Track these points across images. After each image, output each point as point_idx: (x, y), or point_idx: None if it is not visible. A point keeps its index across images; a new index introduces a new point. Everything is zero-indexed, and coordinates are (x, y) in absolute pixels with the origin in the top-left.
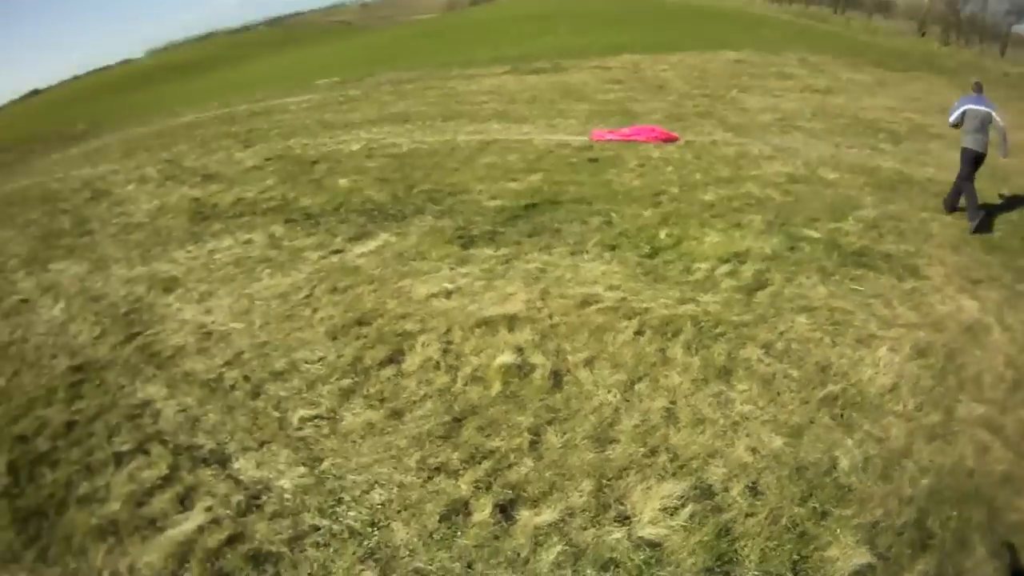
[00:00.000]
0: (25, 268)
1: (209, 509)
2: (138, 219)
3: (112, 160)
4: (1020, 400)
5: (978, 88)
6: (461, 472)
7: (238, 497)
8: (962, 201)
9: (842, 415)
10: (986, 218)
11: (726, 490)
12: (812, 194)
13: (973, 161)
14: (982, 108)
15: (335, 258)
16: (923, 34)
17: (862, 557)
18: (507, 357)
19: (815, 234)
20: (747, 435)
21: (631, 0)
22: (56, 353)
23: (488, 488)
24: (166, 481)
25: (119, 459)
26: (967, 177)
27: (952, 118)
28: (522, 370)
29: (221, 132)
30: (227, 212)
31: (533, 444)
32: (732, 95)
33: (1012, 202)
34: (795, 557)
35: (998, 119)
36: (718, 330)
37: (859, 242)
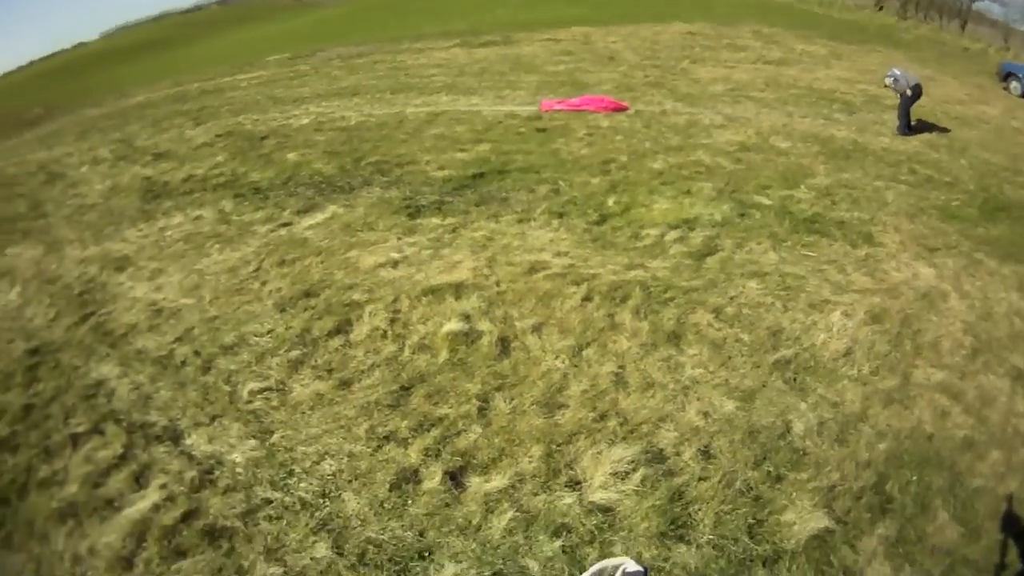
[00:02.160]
0: None
1: (164, 486)
2: (91, 200)
3: (66, 143)
4: (980, 366)
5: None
6: (410, 440)
7: (191, 473)
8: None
9: (795, 379)
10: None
11: (678, 454)
12: (764, 162)
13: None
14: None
15: (283, 231)
16: (880, 8)
17: (820, 521)
18: (454, 324)
19: (766, 201)
20: (698, 399)
21: None
22: (13, 338)
23: (437, 456)
24: (121, 460)
25: (75, 440)
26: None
27: (906, 83)
28: (469, 337)
29: (172, 111)
30: (178, 189)
31: (481, 411)
32: (683, 66)
33: (969, 172)
34: (751, 521)
35: None
36: (667, 295)
37: (811, 209)
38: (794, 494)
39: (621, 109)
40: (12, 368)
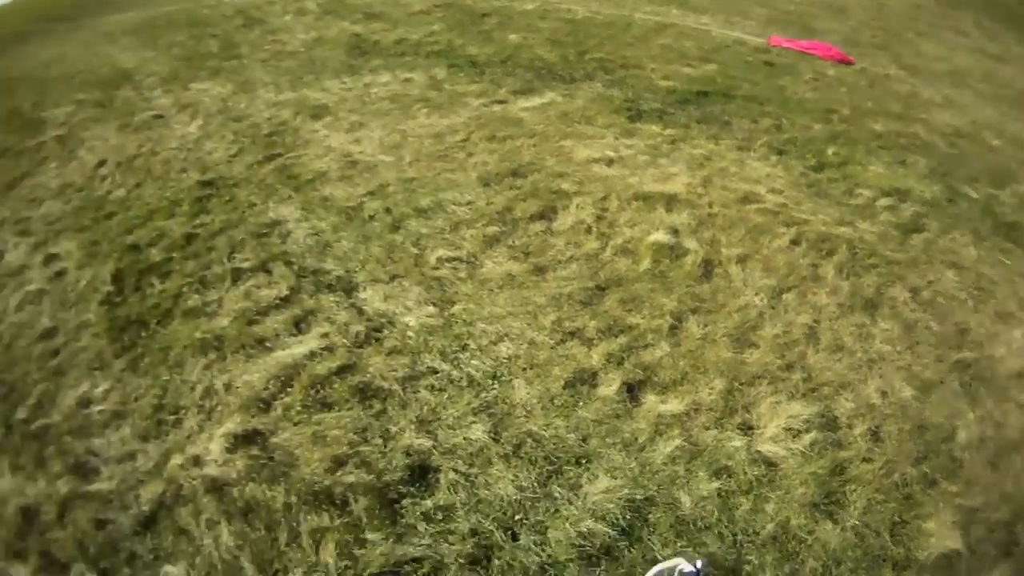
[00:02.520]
0: (163, 86)
1: (325, 335)
2: (292, 48)
3: None
4: None
5: None
6: (595, 342)
7: (358, 327)
8: None
9: (970, 385)
10: None
11: (850, 427)
12: (975, 154)
13: None
14: None
15: (497, 108)
16: None
17: (955, 541)
18: (661, 236)
19: (973, 194)
20: (880, 376)
21: None
22: (186, 168)
23: (620, 364)
24: (284, 302)
25: (237, 275)
26: None
27: None
28: (674, 252)
29: None
30: (388, 50)
31: (673, 329)
32: (909, 36)
33: None
34: (895, 519)
35: None
36: (871, 261)
37: (1013, 215)
38: (941, 504)
39: (847, 62)
40: (180, 197)
